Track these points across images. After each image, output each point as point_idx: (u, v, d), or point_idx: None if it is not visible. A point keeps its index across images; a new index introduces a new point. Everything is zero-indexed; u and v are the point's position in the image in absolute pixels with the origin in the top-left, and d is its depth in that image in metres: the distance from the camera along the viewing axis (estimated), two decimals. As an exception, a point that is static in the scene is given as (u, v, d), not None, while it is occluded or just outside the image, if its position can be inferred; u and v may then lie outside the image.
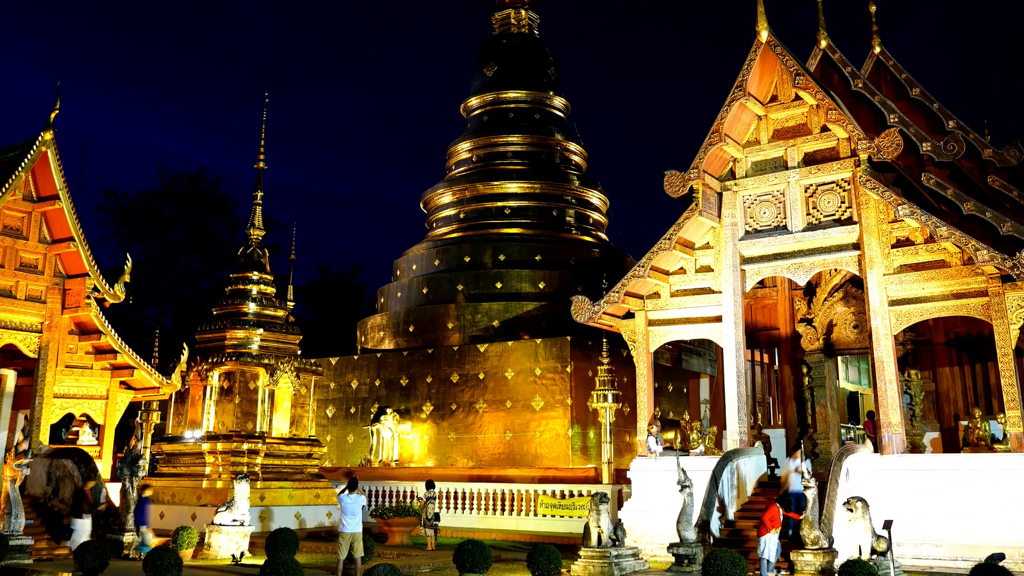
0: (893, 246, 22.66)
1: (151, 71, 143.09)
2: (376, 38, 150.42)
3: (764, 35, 24.53)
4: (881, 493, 20.76)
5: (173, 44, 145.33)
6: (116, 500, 23.27)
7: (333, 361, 38.28)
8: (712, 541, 20.83)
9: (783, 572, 18.93)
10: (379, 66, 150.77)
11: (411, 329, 38.93)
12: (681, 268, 25.84)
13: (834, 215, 23.65)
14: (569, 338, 32.69)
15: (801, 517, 19.22)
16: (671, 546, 20.22)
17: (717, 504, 21.56)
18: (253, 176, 30.48)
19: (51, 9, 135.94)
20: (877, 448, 22.44)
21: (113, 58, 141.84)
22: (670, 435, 28.64)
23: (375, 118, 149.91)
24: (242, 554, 21.46)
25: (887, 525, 17.89)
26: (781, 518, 18.82)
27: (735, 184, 25.16)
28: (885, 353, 22.53)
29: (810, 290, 27.11)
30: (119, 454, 25.65)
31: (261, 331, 28.27)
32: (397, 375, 36.44)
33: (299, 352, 29.20)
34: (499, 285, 38.46)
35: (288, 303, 30.45)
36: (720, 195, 25.21)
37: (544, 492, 28.87)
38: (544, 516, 28.60)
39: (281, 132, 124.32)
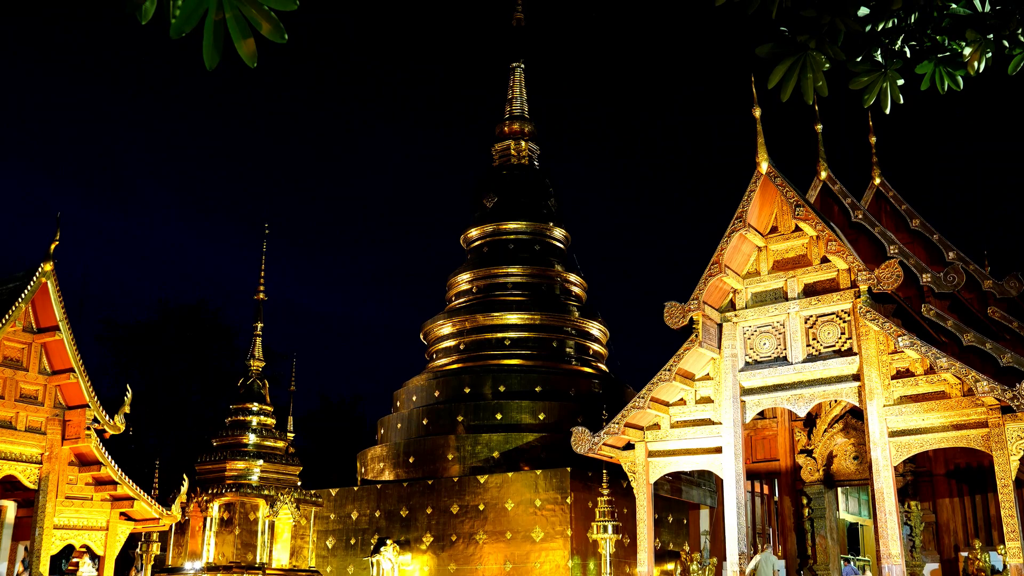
0: (893, 377, 22.73)
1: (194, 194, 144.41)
2: (375, 166, 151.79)
3: (764, 166, 24.85)
4: (885, 627, 20.61)
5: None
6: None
7: (333, 492, 38.07)
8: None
9: None
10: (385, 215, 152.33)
11: (411, 460, 38.78)
12: (681, 399, 25.88)
13: (834, 346, 23.75)
14: (569, 469, 32.53)
15: None
16: None
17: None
18: (264, 302, 30.65)
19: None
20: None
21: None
22: (670, 566, 28.45)
23: (380, 249, 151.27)
24: None
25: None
26: None
27: (735, 315, 25.29)
28: (885, 484, 22.48)
29: (810, 421, 27.14)
30: (117, 586, 25.48)
31: (261, 462, 28.26)
32: (397, 506, 36.20)
33: (299, 483, 29.15)
34: (499, 416, 38.39)
35: (288, 434, 30.46)
36: (720, 326, 25.34)
37: (545, 626, 28.59)
38: (545, 651, 28.28)
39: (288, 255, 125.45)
